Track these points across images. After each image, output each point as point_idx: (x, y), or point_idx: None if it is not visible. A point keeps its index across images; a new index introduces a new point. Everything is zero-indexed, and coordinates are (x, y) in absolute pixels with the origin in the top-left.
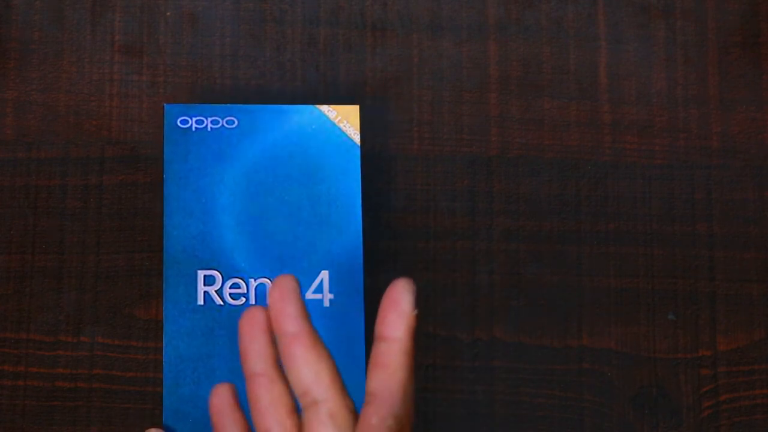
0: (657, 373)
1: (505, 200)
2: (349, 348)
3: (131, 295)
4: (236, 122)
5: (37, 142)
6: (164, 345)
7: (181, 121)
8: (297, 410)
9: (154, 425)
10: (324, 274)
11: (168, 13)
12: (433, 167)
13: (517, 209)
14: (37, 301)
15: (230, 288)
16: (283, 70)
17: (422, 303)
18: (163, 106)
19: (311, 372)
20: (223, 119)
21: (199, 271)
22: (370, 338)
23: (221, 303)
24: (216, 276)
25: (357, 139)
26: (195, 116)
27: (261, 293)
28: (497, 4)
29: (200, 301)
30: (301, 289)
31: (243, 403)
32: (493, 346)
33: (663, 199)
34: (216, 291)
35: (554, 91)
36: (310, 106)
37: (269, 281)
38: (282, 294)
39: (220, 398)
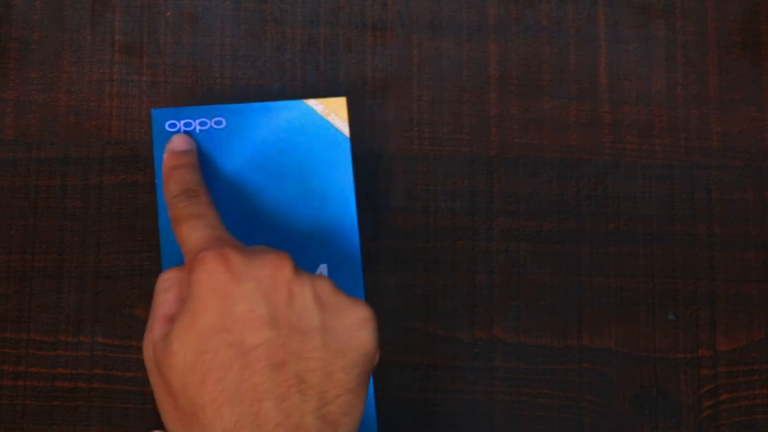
0: (657, 373)
1: (505, 200)
2: None
3: (131, 295)
4: (224, 122)
5: (37, 142)
6: None
7: (169, 125)
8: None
9: (156, 426)
10: (323, 268)
11: (168, 13)
12: (433, 167)
13: (517, 209)
14: (37, 301)
15: None
16: (283, 70)
17: (422, 303)
18: (150, 111)
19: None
20: (211, 120)
21: None
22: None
23: None
24: None
25: (346, 131)
26: (183, 119)
27: None
28: (497, 4)
29: None
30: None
31: None
32: (493, 346)
33: (663, 199)
34: None
35: (554, 91)
36: (297, 101)
37: None
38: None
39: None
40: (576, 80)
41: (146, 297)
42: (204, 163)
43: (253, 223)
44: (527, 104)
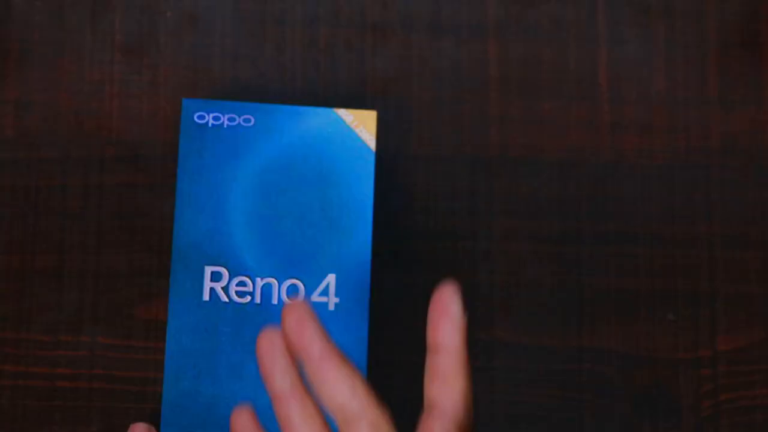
0: (657, 373)
1: (505, 200)
2: (350, 353)
3: (131, 295)
4: (253, 121)
5: (37, 142)
6: (167, 338)
7: (198, 117)
8: (330, 427)
9: (152, 423)
10: (330, 278)
11: (168, 13)
12: (433, 167)
13: (517, 209)
14: (37, 301)
15: (236, 285)
16: (283, 70)
17: (422, 303)
18: (182, 100)
19: (346, 388)
20: (240, 117)
21: (207, 267)
22: (372, 344)
23: (226, 300)
24: (223, 273)
25: (372, 144)
26: (212, 112)
27: (267, 292)
28: (497, 4)
29: (206, 297)
30: (307, 294)
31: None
32: (493, 346)
33: (663, 199)
34: (222, 288)
35: (554, 91)
36: (328, 109)
37: (275, 281)
38: (299, 318)
39: (242, 422)
40: (576, 80)
41: (146, 297)
42: (227, 159)
43: (267, 224)
44: (527, 104)
